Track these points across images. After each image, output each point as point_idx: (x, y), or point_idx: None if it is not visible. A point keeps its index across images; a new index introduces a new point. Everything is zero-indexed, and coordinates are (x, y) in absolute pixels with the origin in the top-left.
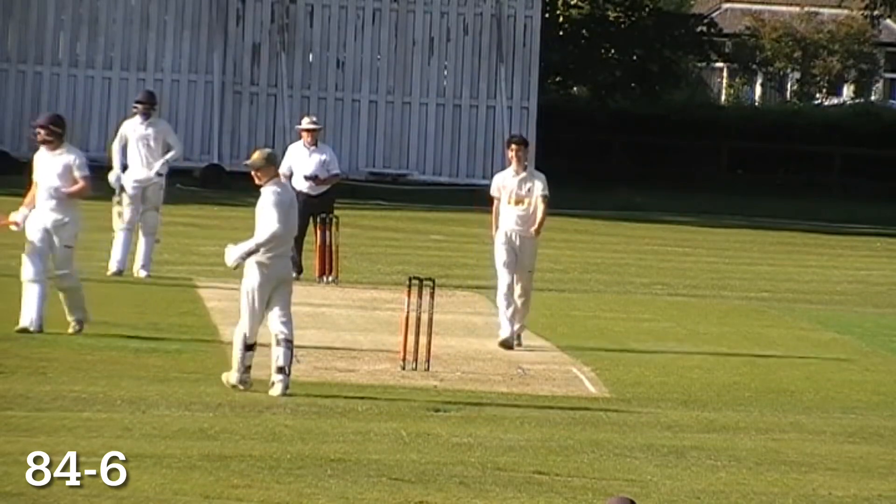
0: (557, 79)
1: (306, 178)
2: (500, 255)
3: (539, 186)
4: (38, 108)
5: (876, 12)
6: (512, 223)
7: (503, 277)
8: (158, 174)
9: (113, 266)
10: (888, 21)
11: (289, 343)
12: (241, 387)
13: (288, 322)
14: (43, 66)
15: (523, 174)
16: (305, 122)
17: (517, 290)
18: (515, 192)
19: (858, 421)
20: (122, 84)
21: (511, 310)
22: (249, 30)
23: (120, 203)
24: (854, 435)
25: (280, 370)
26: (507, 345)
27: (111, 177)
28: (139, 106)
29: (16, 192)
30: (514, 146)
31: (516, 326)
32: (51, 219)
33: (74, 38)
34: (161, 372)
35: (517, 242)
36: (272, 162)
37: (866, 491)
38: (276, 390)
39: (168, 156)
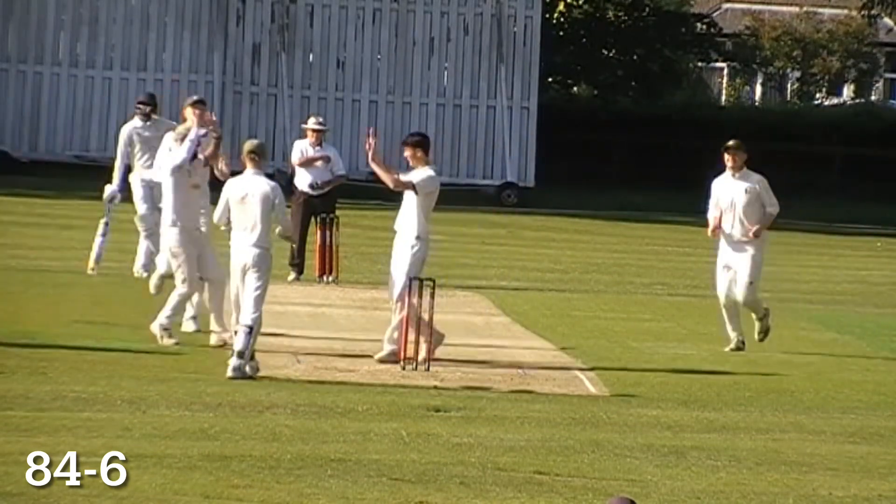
0: (558, 78)
1: (311, 186)
2: (391, 267)
3: (417, 176)
4: (38, 108)
5: (873, 11)
6: (396, 223)
7: (393, 295)
8: None
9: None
10: (887, 20)
11: None
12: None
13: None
14: (43, 66)
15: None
16: (312, 122)
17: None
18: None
19: (858, 421)
20: (122, 84)
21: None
22: (249, 30)
23: (107, 213)
24: (854, 435)
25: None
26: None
27: (107, 192)
28: (142, 107)
29: (16, 192)
30: (405, 148)
31: (388, 349)
32: None
33: (74, 38)
34: (161, 372)
35: (396, 246)
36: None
37: (866, 491)
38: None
39: None
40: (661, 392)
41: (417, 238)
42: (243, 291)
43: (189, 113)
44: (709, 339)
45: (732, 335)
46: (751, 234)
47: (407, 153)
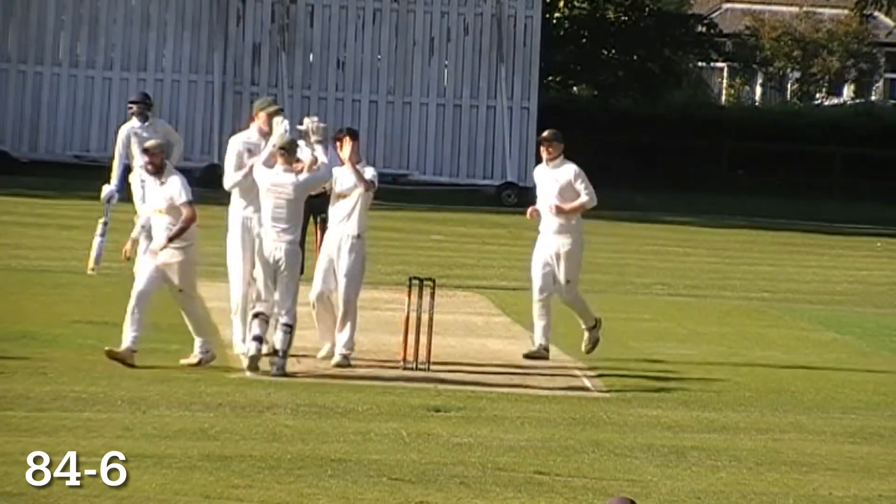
0: (558, 78)
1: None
2: (321, 259)
3: (369, 174)
4: (38, 108)
5: (866, 11)
6: (334, 221)
7: (316, 286)
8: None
9: None
10: (885, 18)
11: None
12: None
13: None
14: (43, 66)
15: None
16: (307, 123)
17: (339, 300)
18: (342, 185)
19: (858, 421)
20: (122, 84)
21: (337, 323)
22: (250, 30)
23: (106, 214)
24: (854, 435)
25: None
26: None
27: (105, 192)
28: (134, 106)
29: (16, 192)
30: (344, 140)
31: (342, 344)
32: None
33: (75, 38)
34: (161, 372)
35: (335, 243)
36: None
37: (866, 491)
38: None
39: (176, 153)
40: (661, 392)
41: (359, 237)
42: (270, 286)
43: (263, 118)
44: (709, 339)
45: (537, 337)
46: (553, 209)
47: (348, 146)
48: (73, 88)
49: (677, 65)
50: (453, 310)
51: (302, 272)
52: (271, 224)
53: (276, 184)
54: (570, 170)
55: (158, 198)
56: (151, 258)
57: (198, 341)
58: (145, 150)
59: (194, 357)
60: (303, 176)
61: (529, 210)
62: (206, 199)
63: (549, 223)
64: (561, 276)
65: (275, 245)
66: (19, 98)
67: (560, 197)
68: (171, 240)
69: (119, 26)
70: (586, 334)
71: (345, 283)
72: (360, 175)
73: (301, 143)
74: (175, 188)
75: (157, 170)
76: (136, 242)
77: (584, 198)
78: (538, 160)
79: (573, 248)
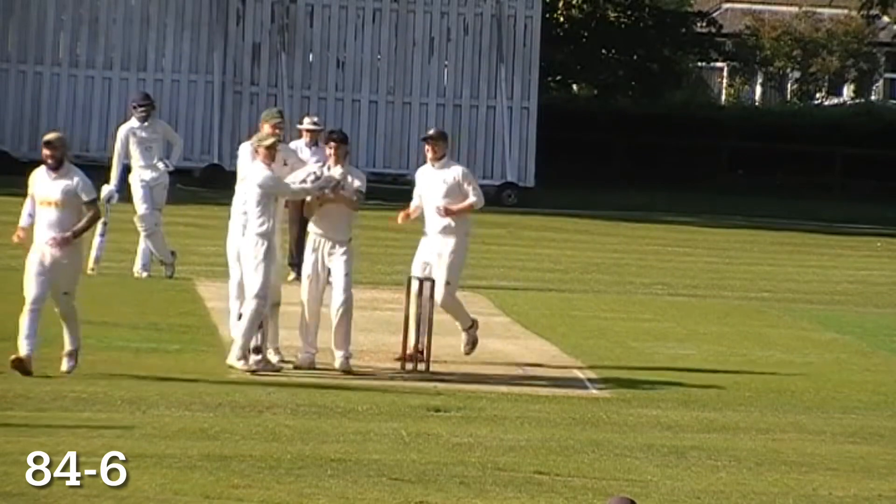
0: (558, 78)
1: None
2: (305, 267)
3: (356, 184)
4: (38, 108)
5: (872, 11)
6: (318, 227)
7: (303, 292)
8: (166, 166)
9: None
10: (885, 19)
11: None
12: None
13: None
14: (43, 66)
15: (340, 171)
16: (307, 122)
17: (334, 302)
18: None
19: (858, 421)
20: (122, 84)
21: (335, 326)
22: (249, 30)
23: (106, 213)
24: (854, 435)
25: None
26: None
27: (104, 192)
28: (140, 108)
29: (16, 192)
30: (333, 144)
31: (340, 352)
32: None
33: (74, 38)
34: (161, 372)
35: (325, 249)
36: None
37: (866, 491)
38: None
39: (176, 153)
40: (661, 392)
41: (350, 241)
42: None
43: (268, 129)
44: (709, 339)
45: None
46: (441, 210)
47: (335, 150)
48: (73, 88)
49: (677, 64)
50: None
51: (299, 276)
52: (242, 214)
53: (251, 176)
54: (457, 171)
55: (53, 189)
56: (52, 250)
57: (72, 349)
58: (47, 143)
59: (68, 365)
60: (268, 174)
61: (401, 214)
62: (206, 198)
63: (434, 224)
64: (441, 277)
65: (244, 236)
66: (19, 98)
67: (448, 199)
68: (76, 235)
69: (119, 26)
70: (464, 335)
71: (344, 286)
72: (347, 198)
73: (301, 143)
74: (75, 182)
75: (58, 164)
76: (26, 230)
77: (472, 198)
78: (538, 160)
79: (457, 248)
